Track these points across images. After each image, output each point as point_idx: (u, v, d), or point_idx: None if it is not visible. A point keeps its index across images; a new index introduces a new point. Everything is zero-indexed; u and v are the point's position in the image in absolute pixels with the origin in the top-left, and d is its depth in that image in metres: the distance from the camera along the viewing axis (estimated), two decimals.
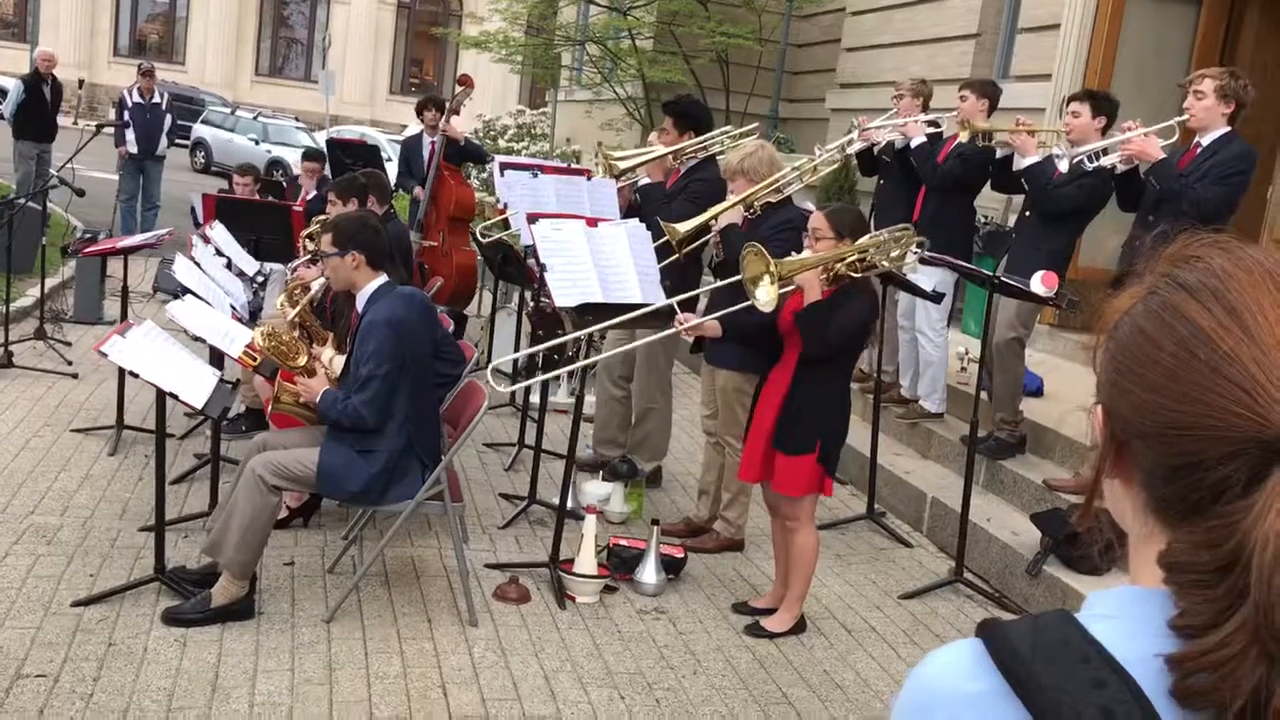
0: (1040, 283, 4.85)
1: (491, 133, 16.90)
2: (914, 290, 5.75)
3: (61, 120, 12.51)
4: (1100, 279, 6.99)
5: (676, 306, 4.62)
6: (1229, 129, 5.13)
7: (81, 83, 21.62)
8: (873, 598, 5.05)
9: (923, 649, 4.49)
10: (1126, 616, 0.84)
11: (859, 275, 4.32)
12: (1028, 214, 5.92)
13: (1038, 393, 6.49)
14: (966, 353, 7.08)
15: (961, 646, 0.86)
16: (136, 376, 4.09)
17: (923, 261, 5.48)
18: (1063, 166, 5.51)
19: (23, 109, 11.78)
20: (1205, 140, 5.16)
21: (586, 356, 5.19)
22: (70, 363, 7.39)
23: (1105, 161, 5.35)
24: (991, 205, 8.03)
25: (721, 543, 5.37)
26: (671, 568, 4.95)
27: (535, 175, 5.82)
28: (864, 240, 4.34)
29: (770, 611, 4.61)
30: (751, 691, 4.06)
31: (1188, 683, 0.78)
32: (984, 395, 5.51)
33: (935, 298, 5.83)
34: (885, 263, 4.40)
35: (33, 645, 3.84)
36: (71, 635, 3.93)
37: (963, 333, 8.09)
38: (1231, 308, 0.83)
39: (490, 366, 7.18)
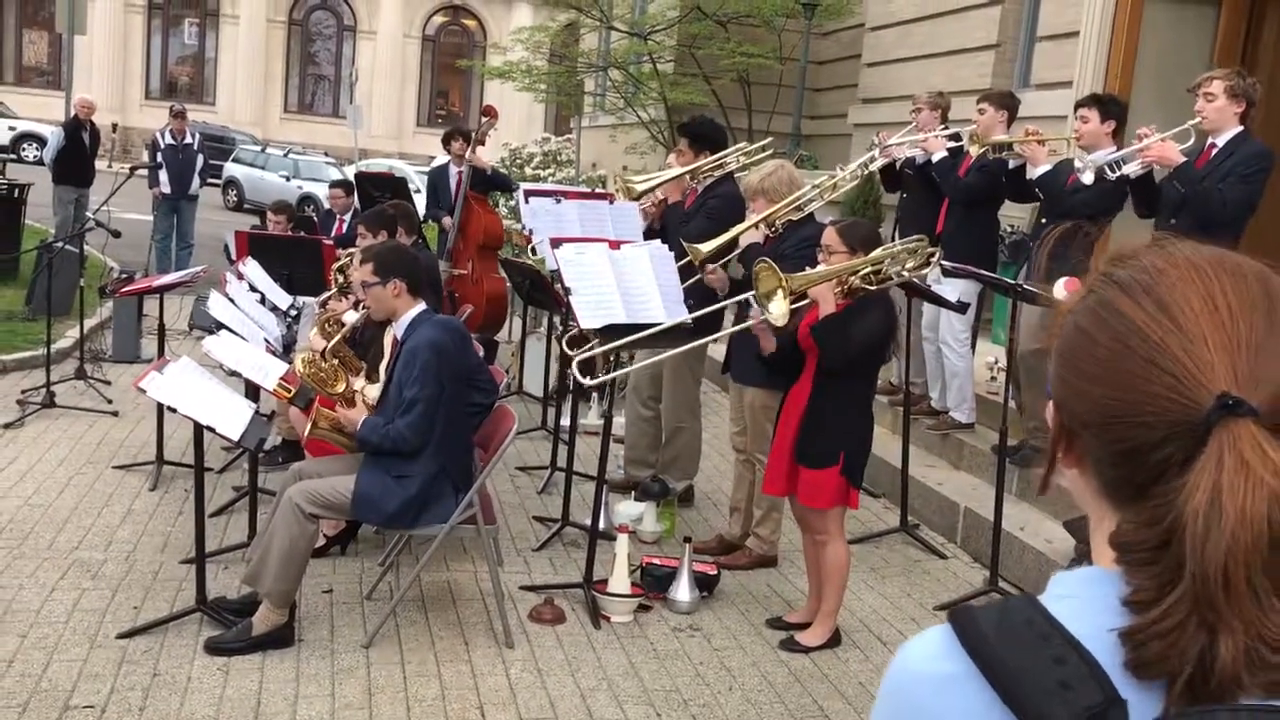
0: (1064, 289, 4.85)
1: (518, 161, 17.06)
2: (938, 301, 5.77)
3: (97, 165, 12.77)
4: None
5: (692, 321, 4.68)
6: (1242, 128, 5.14)
7: (115, 127, 22.02)
8: (908, 610, 5.05)
9: None
10: (1084, 596, 0.89)
11: (875, 288, 4.35)
12: (1044, 221, 5.94)
13: None
14: (996, 362, 7.07)
15: (935, 631, 0.92)
16: (174, 411, 4.19)
17: (946, 273, 5.51)
18: (1086, 179, 5.51)
19: (63, 155, 12.05)
20: (1220, 141, 5.16)
21: (594, 375, 5.25)
22: (110, 401, 7.53)
23: (1127, 170, 5.36)
24: (1017, 215, 8.03)
25: (754, 559, 5.40)
26: (705, 585, 4.97)
27: (559, 201, 5.90)
28: (877, 252, 4.38)
29: (805, 626, 4.63)
30: (787, 706, 4.08)
31: (1139, 653, 0.82)
32: (1013, 404, 5.52)
33: (959, 308, 5.84)
34: (903, 273, 4.43)
35: (80, 678, 3.93)
36: (117, 667, 4.02)
37: (992, 343, 8.07)
38: (1161, 301, 0.88)
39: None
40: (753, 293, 4.36)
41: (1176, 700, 0.81)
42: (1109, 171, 5.41)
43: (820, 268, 4.38)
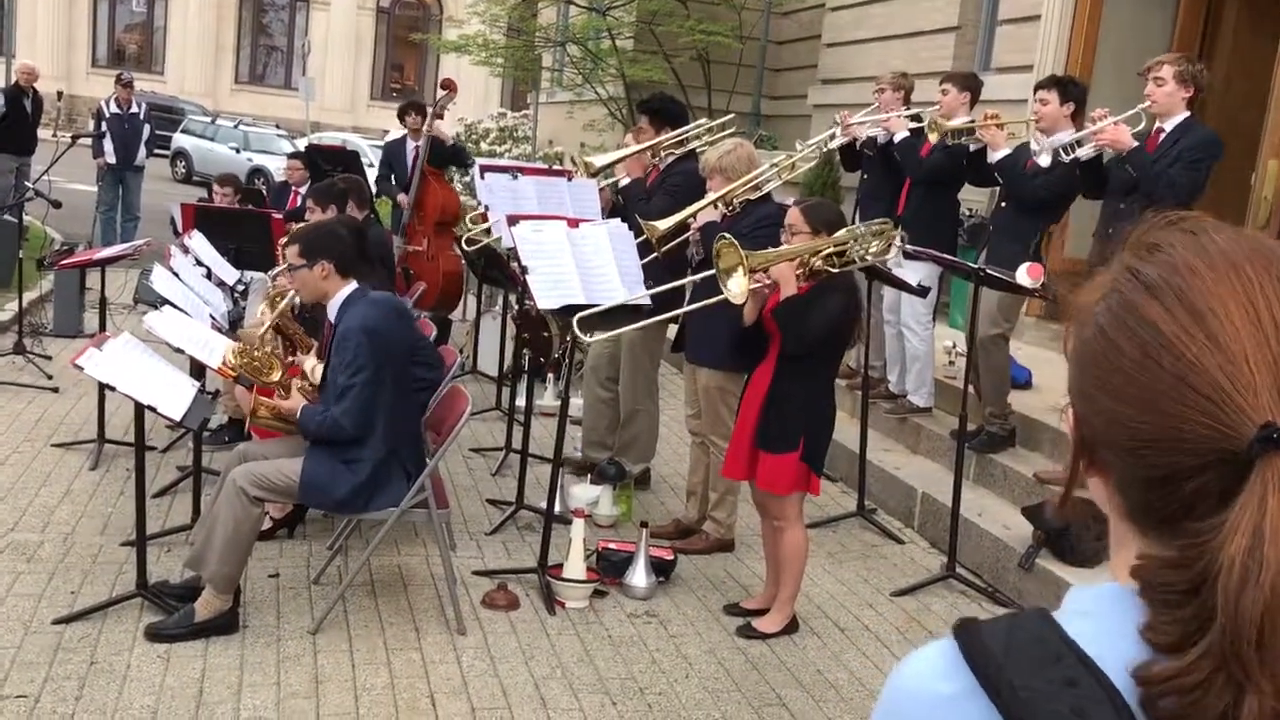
0: (1026, 274, 4.82)
1: (474, 136, 16.82)
2: (899, 284, 5.72)
3: (41, 133, 12.41)
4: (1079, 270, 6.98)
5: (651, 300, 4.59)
6: (1189, 114, 5.15)
7: (60, 94, 21.47)
8: (865, 595, 5.01)
9: (916, 646, 4.45)
10: (1105, 615, 0.80)
11: (837, 270, 4.28)
12: (1004, 205, 5.92)
13: (1026, 385, 6.46)
14: (954, 346, 7.05)
15: (936, 647, 0.83)
16: (114, 390, 4.03)
17: (907, 255, 5.45)
18: (1043, 161, 5.48)
19: (3, 122, 11.67)
20: (1168, 126, 5.16)
21: (572, 357, 5.14)
22: (50, 377, 7.31)
23: (1081, 153, 5.33)
24: (976, 199, 8.01)
25: (711, 544, 5.33)
26: (661, 570, 4.90)
27: (515, 177, 5.77)
28: (841, 234, 4.31)
29: (762, 612, 4.57)
30: (745, 694, 4.02)
31: (1156, 705, 0.74)
32: (972, 389, 5.49)
33: (921, 292, 5.80)
34: (866, 257, 4.36)
35: (13, 665, 3.78)
36: (53, 654, 3.87)
37: (949, 326, 8.06)
38: (1195, 310, 0.78)
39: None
40: (712, 270, 4.28)
41: None
42: (1064, 154, 5.39)
43: (782, 247, 4.30)
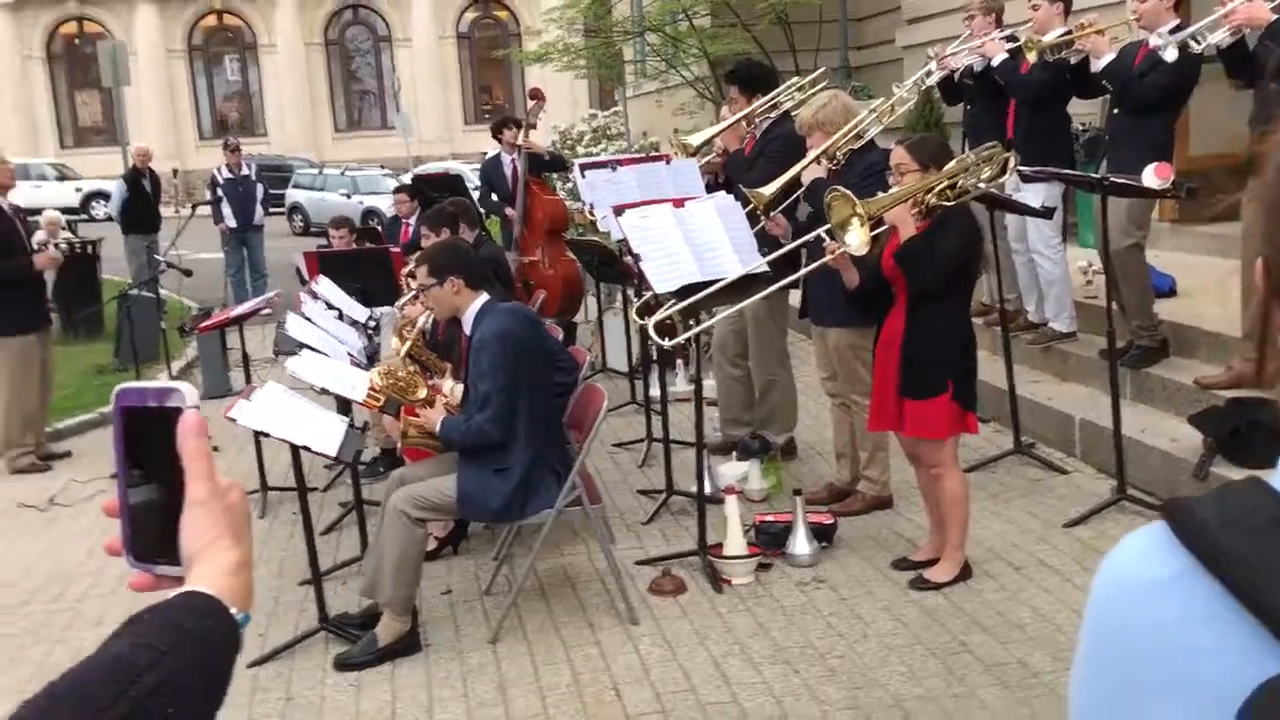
0: (1154, 175, 4.61)
1: (568, 141, 16.95)
2: (1022, 209, 5.54)
3: (163, 210, 13.01)
4: (1225, 164, 6.62)
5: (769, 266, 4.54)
6: None
7: (175, 171, 22.46)
8: (1036, 531, 4.87)
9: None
10: None
11: (953, 203, 4.17)
12: (1116, 112, 5.67)
13: (1171, 293, 6.20)
14: (1089, 265, 6.79)
15: (1144, 532, 0.78)
16: (268, 436, 4.18)
17: (1025, 179, 5.29)
18: (1169, 56, 5.18)
19: (128, 205, 12.29)
20: None
21: (698, 338, 5.12)
22: (210, 437, 7.60)
23: (1214, 39, 5.02)
24: (1087, 112, 7.70)
25: (869, 502, 5.26)
26: (822, 535, 4.85)
27: (614, 169, 5.78)
28: (950, 165, 4.19)
29: (931, 563, 4.49)
30: (927, 645, 3.95)
31: None
32: (1115, 305, 5.28)
33: (1045, 213, 5.61)
34: (980, 185, 4.24)
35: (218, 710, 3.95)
36: (251, 695, 4.04)
37: (1080, 246, 7.78)
38: None
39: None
40: (827, 226, 4.22)
41: None
42: (1194, 44, 5.08)
43: (894, 189, 4.21)
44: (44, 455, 7.37)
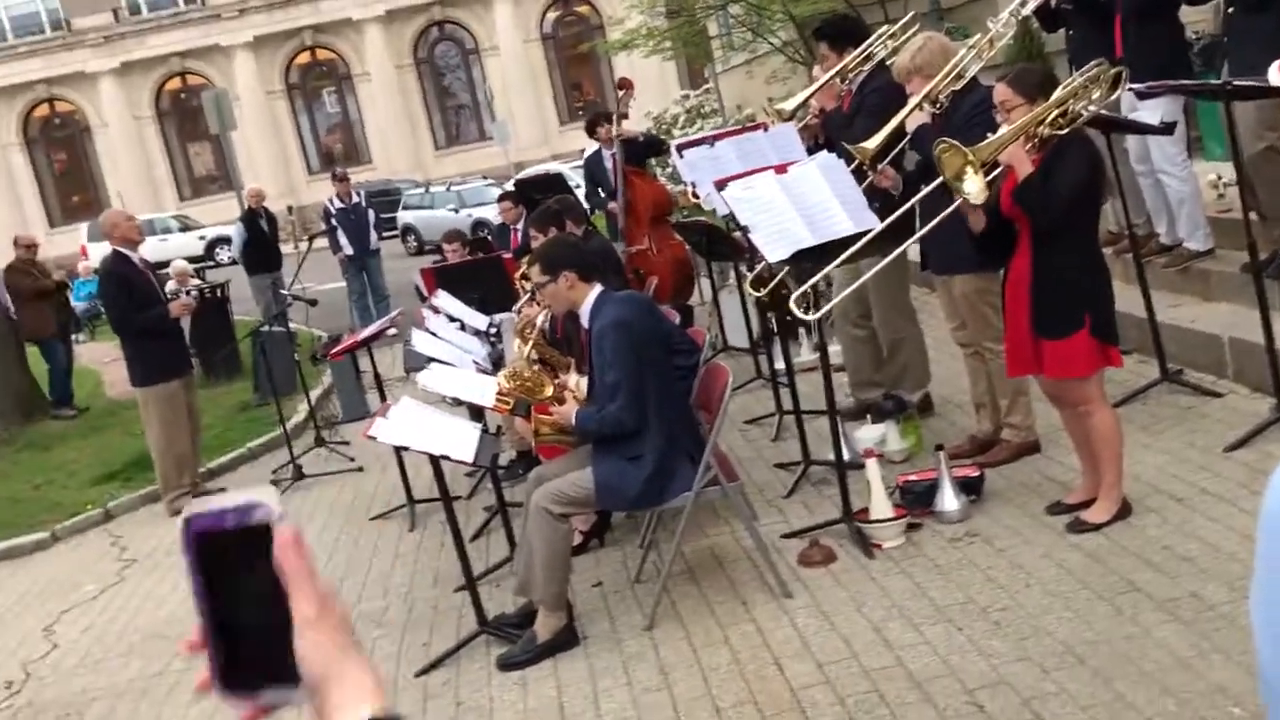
0: (1279, 72, 4.36)
1: (663, 126, 16.93)
2: (1140, 129, 5.31)
3: (283, 248, 13.45)
4: None
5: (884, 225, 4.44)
6: None
7: (290, 209, 23.22)
8: (1196, 460, 4.66)
9: None
10: None
11: (1066, 131, 4.00)
12: (1231, 11, 5.37)
13: None
14: (1219, 178, 6.47)
15: None
16: (408, 450, 4.28)
17: (1140, 96, 5.07)
18: None
19: (248, 246, 12.76)
20: None
21: (817, 306, 5.05)
22: (352, 459, 7.85)
23: None
24: (1201, 18, 7.33)
25: (1015, 450, 5.11)
26: (970, 489, 4.73)
27: (712, 145, 5.73)
28: (1058, 93, 4.03)
29: (1088, 504, 4.33)
30: (1093, 588, 3.82)
31: None
32: (1253, 215, 5.02)
33: (1166, 129, 5.35)
34: (1091, 107, 4.06)
35: None
36: (423, 703, 4.14)
37: (1208, 160, 7.42)
38: None
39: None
40: (939, 180, 4.10)
41: None
42: None
43: (1002, 129, 4.07)
44: (200, 494, 7.65)
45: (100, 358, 15.74)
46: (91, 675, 5.17)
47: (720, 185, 4.69)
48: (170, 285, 11.30)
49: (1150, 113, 5.45)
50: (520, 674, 4.17)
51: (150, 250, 13.55)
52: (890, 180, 5.08)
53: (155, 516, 7.61)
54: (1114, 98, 4.31)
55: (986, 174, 3.94)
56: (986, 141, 4.03)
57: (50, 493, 8.57)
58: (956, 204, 4.06)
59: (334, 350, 7.71)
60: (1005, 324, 4.36)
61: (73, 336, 13.40)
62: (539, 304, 5.53)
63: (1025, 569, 4.07)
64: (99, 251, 19.61)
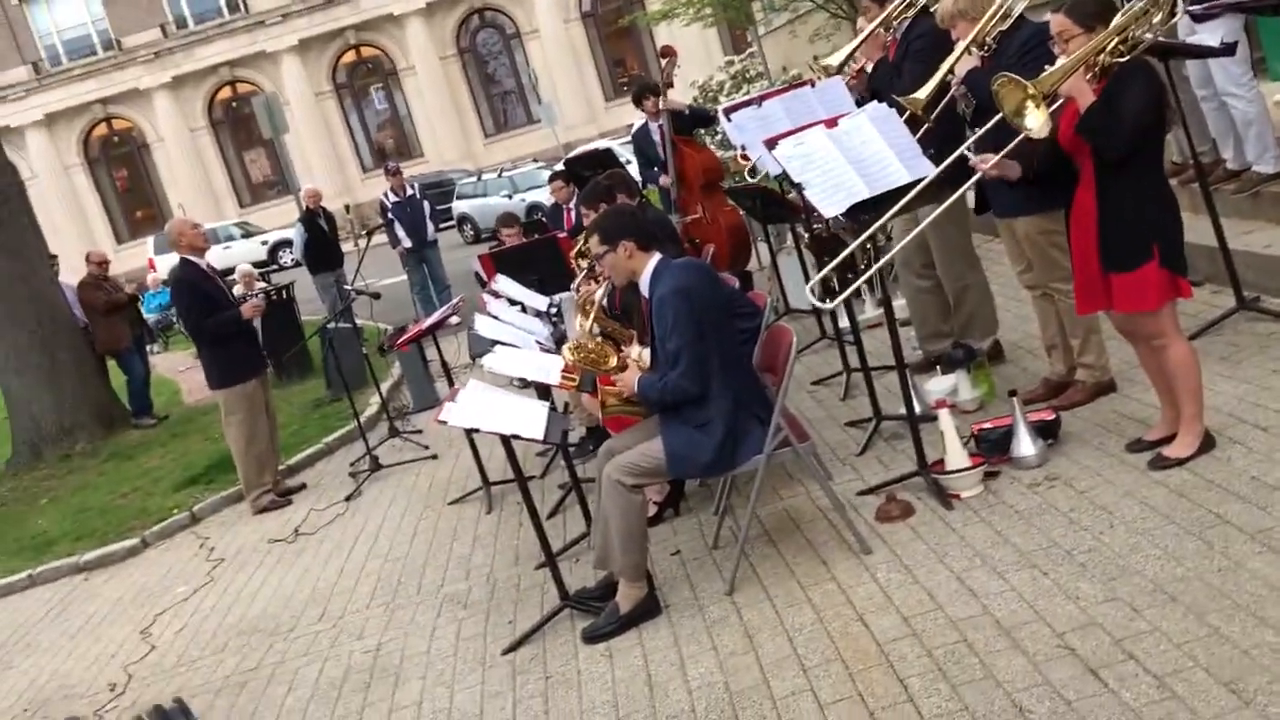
0: None
1: (709, 93, 16.81)
2: (1201, 52, 5.16)
3: (342, 245, 13.61)
4: None
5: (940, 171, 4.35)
6: None
7: (348, 207, 23.49)
8: (1279, 388, 4.54)
9: None
10: None
11: (1126, 59, 3.90)
12: None
13: None
14: None
15: None
16: (479, 432, 4.32)
17: (1196, 19, 4.92)
18: None
19: (309, 246, 12.93)
20: None
21: (877, 259, 4.99)
22: (426, 447, 7.94)
23: None
24: None
25: (1090, 390, 5.01)
26: (1046, 433, 4.66)
27: (759, 105, 5.68)
28: (1117, 20, 3.92)
29: (1169, 440, 4.24)
30: (1179, 524, 3.74)
31: None
32: None
33: (1228, 50, 5.19)
34: (1151, 33, 3.95)
35: (483, 699, 4.12)
36: (512, 680, 4.19)
37: (1272, 80, 7.20)
38: None
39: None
40: (998, 117, 4.02)
41: None
42: None
43: (1060, 60, 3.97)
44: (282, 491, 7.83)
45: (175, 367, 16.14)
46: (189, 673, 5.31)
47: (770, 144, 4.65)
48: (237, 289, 11.51)
49: (1210, 35, 5.30)
50: (606, 645, 4.20)
51: (215, 258, 13.83)
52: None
53: (240, 516, 7.78)
54: (1174, 21, 4.18)
55: (1048, 107, 3.85)
56: (1046, 73, 3.94)
57: (137, 500, 8.79)
58: (1018, 139, 3.98)
59: (400, 340, 7.79)
60: (1073, 261, 4.27)
61: (147, 348, 13.68)
62: (597, 280, 5.54)
63: (1108, 509, 4.00)
64: (166, 263, 20.06)
